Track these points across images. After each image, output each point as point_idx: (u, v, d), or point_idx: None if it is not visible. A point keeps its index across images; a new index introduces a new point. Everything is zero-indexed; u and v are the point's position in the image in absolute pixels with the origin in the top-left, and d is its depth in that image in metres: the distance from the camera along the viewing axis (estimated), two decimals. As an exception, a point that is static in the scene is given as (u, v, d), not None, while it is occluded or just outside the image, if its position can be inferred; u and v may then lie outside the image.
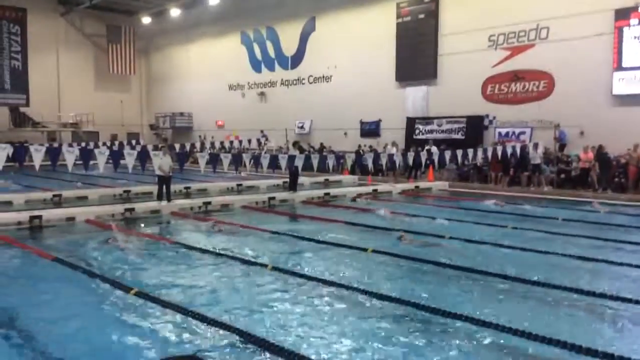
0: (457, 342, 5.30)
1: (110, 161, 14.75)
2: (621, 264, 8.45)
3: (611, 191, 17.54)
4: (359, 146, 25.97)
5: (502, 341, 5.29)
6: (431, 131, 24.73)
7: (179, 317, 5.91)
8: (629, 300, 6.53)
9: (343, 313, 6.18)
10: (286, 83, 32.28)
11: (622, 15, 19.07)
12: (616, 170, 18.12)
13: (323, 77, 30.01)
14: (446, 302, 6.46)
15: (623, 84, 19.21)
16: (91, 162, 14.59)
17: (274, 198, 16.00)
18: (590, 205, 14.95)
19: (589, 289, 6.88)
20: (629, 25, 18.96)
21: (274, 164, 16.47)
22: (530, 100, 21.82)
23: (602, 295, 6.71)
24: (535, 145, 19.68)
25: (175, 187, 16.16)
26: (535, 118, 21.41)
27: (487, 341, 5.32)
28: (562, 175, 19.20)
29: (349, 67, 28.36)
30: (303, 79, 31.24)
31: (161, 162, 14.37)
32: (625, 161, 17.98)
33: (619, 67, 19.25)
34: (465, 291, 7.16)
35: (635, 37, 18.86)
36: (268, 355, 4.90)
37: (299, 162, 16.68)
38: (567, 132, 20.20)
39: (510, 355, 5.02)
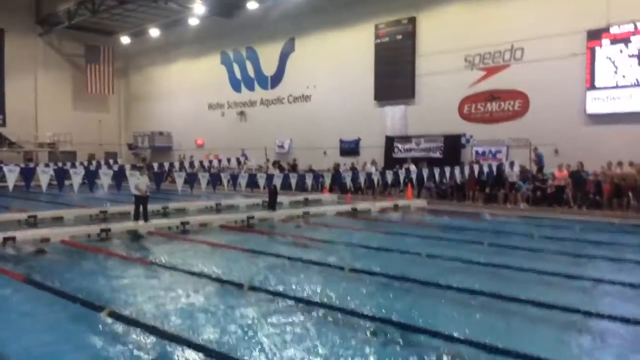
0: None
1: (86, 181, 14.61)
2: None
3: (586, 208, 17.81)
4: (337, 164, 26.07)
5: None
6: (410, 150, 24.94)
7: (152, 338, 5.83)
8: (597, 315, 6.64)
9: (322, 332, 6.16)
10: (266, 102, 32.40)
11: (594, 36, 19.57)
12: (591, 188, 18.41)
13: (302, 96, 30.19)
14: (425, 319, 6.48)
15: (596, 103, 19.65)
16: (68, 182, 14.44)
17: (252, 217, 15.94)
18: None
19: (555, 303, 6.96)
20: (600, 45, 19.45)
21: (252, 183, 16.46)
22: (506, 119, 22.19)
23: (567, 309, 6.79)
24: (512, 164, 19.97)
25: (153, 207, 16.03)
26: (511, 137, 21.73)
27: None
28: (538, 193, 19.46)
29: (329, 87, 28.59)
30: (283, 98, 31.38)
31: (138, 181, 14.26)
32: (599, 179, 18.28)
33: (592, 87, 19.70)
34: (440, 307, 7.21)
35: (607, 57, 19.34)
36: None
37: (278, 181, 16.68)
38: (543, 151, 20.50)
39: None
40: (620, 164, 17.89)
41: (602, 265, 9.98)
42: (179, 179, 15.60)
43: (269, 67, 32.12)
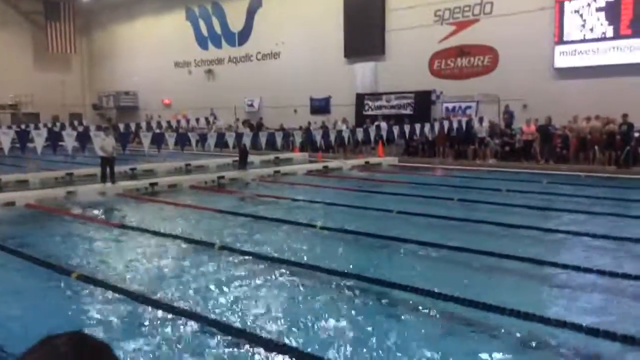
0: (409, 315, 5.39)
1: (50, 143, 14.20)
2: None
3: (553, 162, 18.11)
4: (308, 123, 25.87)
5: (450, 310, 5.41)
6: (380, 107, 24.85)
7: (122, 299, 5.77)
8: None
9: (293, 289, 6.17)
10: (234, 60, 31.73)
11: (563, -11, 19.52)
12: (558, 142, 18.68)
13: (271, 53, 29.64)
14: (398, 275, 6.54)
15: (564, 57, 19.75)
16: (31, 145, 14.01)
17: (223, 177, 15.80)
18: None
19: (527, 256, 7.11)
20: (569, -1, 19.46)
21: (222, 142, 16.23)
22: (476, 74, 22.17)
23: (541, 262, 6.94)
24: (481, 119, 20.09)
25: (120, 168, 15.74)
26: (481, 92, 21.78)
27: (434, 311, 5.42)
28: (507, 148, 19.68)
29: (298, 44, 28.09)
30: (251, 55, 30.77)
31: (104, 142, 13.92)
32: (566, 133, 18.54)
33: (560, 41, 19.76)
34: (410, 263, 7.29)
35: (575, 11, 19.34)
36: (219, 336, 4.82)
37: (248, 140, 16.49)
38: (512, 106, 20.62)
39: (461, 322, 5.13)
40: (587, 118, 18.14)
41: (568, 217, 10.19)
42: (146, 139, 15.25)
43: (236, 24, 31.34)
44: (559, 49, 19.82)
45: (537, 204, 11.44)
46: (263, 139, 17.07)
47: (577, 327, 4.78)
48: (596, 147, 17.59)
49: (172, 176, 16.62)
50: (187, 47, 33.99)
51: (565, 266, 6.81)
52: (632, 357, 4.46)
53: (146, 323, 5.16)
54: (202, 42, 33.44)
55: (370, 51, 25.12)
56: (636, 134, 17.06)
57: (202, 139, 16.35)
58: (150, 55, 36.00)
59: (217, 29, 32.45)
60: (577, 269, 6.68)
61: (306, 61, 27.46)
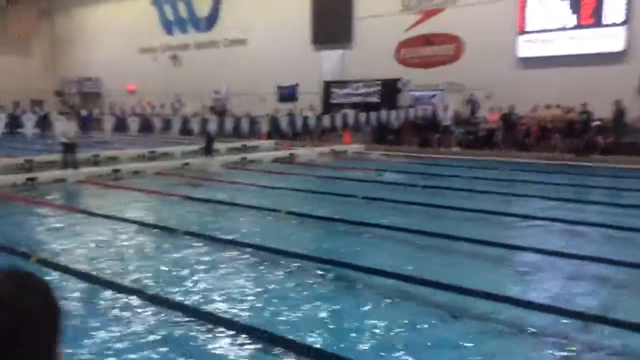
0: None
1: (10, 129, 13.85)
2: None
3: (516, 150, 18.47)
4: (276, 111, 25.76)
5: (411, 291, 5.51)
6: (347, 95, 24.88)
7: (84, 284, 5.71)
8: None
9: (257, 272, 6.20)
10: (200, 46, 31.33)
11: (526, -21, 19.84)
12: (521, 131, 19.05)
13: (238, 40, 29.35)
14: (362, 257, 6.63)
15: (527, 46, 20.13)
16: None
17: (188, 164, 15.66)
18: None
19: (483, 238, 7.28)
20: (532, -13, 19.81)
21: (187, 129, 16.07)
22: (441, 63, 22.40)
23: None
24: (445, 108, 20.34)
25: (82, 155, 15.44)
26: (446, 81, 22.00)
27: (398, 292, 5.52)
28: (471, 136, 19.98)
29: (265, 31, 27.87)
30: (218, 42, 30.43)
31: (65, 127, 13.65)
32: (528, 121, 18.92)
33: (524, 31, 20.11)
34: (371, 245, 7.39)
35: (538, 1, 19.69)
36: (185, 318, 4.81)
37: (214, 126, 16.37)
38: (476, 95, 20.92)
39: (428, 306, 5.24)
40: (547, 106, 18.53)
41: (529, 202, 10.45)
42: (108, 123, 14.98)
43: (202, 8, 30.92)
44: (522, 38, 20.19)
45: (499, 190, 11.68)
46: (229, 125, 16.94)
47: (535, 306, 4.96)
48: (557, 135, 18.00)
49: (136, 162, 16.40)
50: (152, 32, 33.38)
51: (524, 248, 7.03)
52: (587, 332, 4.62)
53: (106, 306, 5.12)
54: (167, 27, 32.91)
55: (337, 39, 25.12)
56: (594, 123, 17.51)
57: (167, 124, 16.15)
58: (115, 40, 35.19)
59: (183, 13, 31.97)
60: (535, 250, 6.89)
61: (274, 48, 27.29)
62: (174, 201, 10.75)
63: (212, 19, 30.61)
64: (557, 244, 7.30)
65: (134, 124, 15.28)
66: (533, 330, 4.61)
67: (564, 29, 19.32)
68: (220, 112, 21.93)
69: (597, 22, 18.69)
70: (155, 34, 33.29)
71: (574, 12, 19.07)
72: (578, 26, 19.08)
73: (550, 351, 4.27)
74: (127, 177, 14.02)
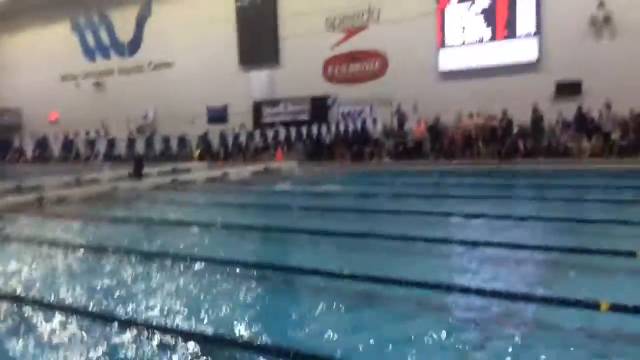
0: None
1: None
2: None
3: (443, 158, 19.08)
4: (207, 131, 25.48)
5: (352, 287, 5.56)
6: (278, 114, 25.04)
7: (9, 306, 5.41)
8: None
9: (194, 282, 6.06)
10: (125, 71, 30.72)
11: (444, -5, 20.76)
12: (446, 140, 19.72)
13: (164, 63, 28.99)
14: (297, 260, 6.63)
15: (447, 60, 20.97)
16: None
17: (117, 188, 15.18)
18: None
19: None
20: (449, 3, 20.69)
21: (113, 155, 15.61)
22: (368, 79, 22.98)
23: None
24: (374, 121, 20.82)
25: (3, 186, 14.72)
26: (374, 96, 22.53)
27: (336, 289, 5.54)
28: (400, 148, 20.49)
29: (191, 53, 27.68)
30: (142, 66, 29.94)
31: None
32: (453, 131, 19.63)
33: (443, 45, 20.96)
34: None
35: (456, 17, 20.63)
36: (128, 332, 4.63)
37: (141, 147, 16.01)
38: (403, 108, 21.51)
39: (366, 297, 5.28)
40: (470, 115, 19.31)
41: (454, 202, 10.81)
42: (28, 147, 14.33)
43: (125, 33, 30.39)
44: (442, 52, 21.00)
45: (429, 193, 12.04)
46: (158, 146, 16.62)
47: (465, 290, 5.11)
48: (480, 143, 18.75)
49: (62, 190, 15.74)
50: (73, 60, 32.45)
51: (454, 241, 7.27)
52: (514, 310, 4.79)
53: (34, 324, 4.86)
54: (89, 54, 32.11)
55: (265, 58, 25.30)
56: (515, 129, 18.39)
57: (91, 144, 15.64)
58: (35, 68, 33.92)
59: (105, 39, 31.30)
60: (463, 243, 7.14)
61: (201, 70, 27.13)
62: (101, 224, 10.38)
63: (135, 44, 30.13)
64: (482, 235, 7.58)
65: (56, 144, 14.66)
66: (458, 312, 4.75)
67: (480, 42, 20.28)
68: (148, 134, 21.52)
69: (511, 34, 19.74)
70: (76, 61, 32.39)
71: (488, 26, 20.07)
72: (493, 39, 20.07)
73: (474, 332, 4.37)
74: (52, 204, 13.42)
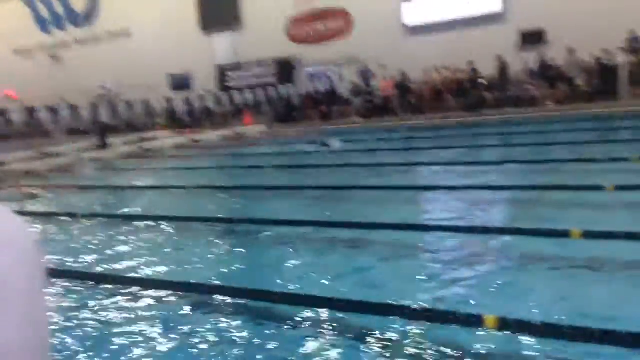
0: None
1: None
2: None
3: (411, 114, 19.09)
4: (170, 99, 24.99)
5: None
6: (243, 78, 24.61)
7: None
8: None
9: (171, 240, 5.99)
10: (81, 42, 29.70)
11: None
12: (414, 96, 19.70)
13: (122, 32, 28.11)
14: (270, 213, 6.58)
15: (412, 15, 20.82)
16: None
17: (82, 158, 14.82)
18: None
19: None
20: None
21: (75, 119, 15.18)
22: (333, 38, 22.69)
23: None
24: (342, 80, 20.65)
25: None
26: (340, 55, 22.29)
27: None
28: (369, 106, 20.40)
29: (149, 20, 26.84)
30: (100, 36, 28.97)
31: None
32: (421, 86, 19.62)
33: None
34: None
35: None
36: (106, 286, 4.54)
37: (105, 115, 15.61)
38: (370, 65, 21.37)
39: (329, 243, 5.27)
40: (437, 69, 19.29)
41: (426, 154, 10.87)
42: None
43: (79, 2, 29.29)
44: (405, 6, 20.83)
45: (399, 147, 12.07)
46: (121, 113, 16.21)
47: (445, 228, 5.15)
48: (448, 96, 18.79)
49: (27, 163, 15.30)
50: (26, 33, 31.16)
51: (427, 188, 7.32)
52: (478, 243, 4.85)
53: None
54: (42, 25, 30.89)
55: (227, 21, 24.72)
56: (481, 80, 18.45)
57: (54, 111, 15.17)
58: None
59: (59, 9, 30.13)
60: (435, 188, 7.20)
61: (161, 37, 26.38)
62: (70, 193, 10.15)
63: (91, 13, 29.10)
64: (455, 181, 7.65)
65: (16, 114, 14.16)
66: (433, 249, 4.79)
67: (444, -6, 20.17)
68: (110, 103, 20.98)
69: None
70: (30, 34, 31.13)
71: (450, -22, 19.95)
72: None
73: (454, 266, 4.41)
74: (18, 178, 13.05)
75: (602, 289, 3.64)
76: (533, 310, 3.26)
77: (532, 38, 18.77)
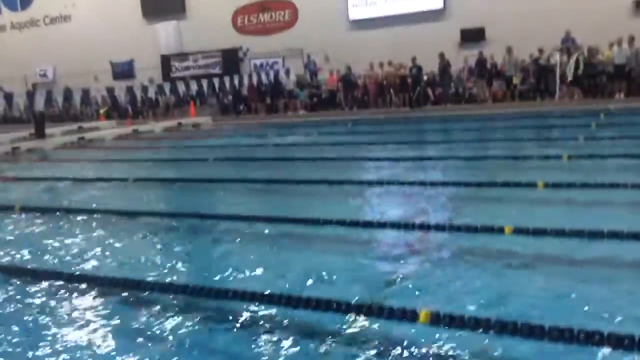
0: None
1: None
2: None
3: (356, 108, 19.33)
4: (112, 88, 24.32)
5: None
6: (188, 68, 24.29)
7: None
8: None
9: (114, 234, 5.90)
10: (18, 26, 28.47)
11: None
12: (359, 90, 19.95)
13: (61, 16, 27.14)
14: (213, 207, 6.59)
15: (357, 9, 21.04)
16: None
17: (18, 148, 14.31)
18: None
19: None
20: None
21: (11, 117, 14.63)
22: (279, 29, 22.67)
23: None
24: (287, 73, 20.67)
25: None
26: (286, 47, 22.30)
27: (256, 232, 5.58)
28: (315, 99, 20.53)
29: (90, 5, 26.05)
30: (37, 20, 27.87)
31: None
32: (365, 81, 19.86)
33: (352, -8, 21.01)
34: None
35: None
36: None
37: (41, 104, 15.10)
38: (315, 58, 21.48)
39: (286, 238, 5.33)
40: (381, 64, 19.56)
41: (368, 148, 11.08)
42: None
43: (15, -15, 28.08)
44: (351, 1, 21.01)
45: (342, 141, 12.23)
46: (59, 101, 15.70)
47: (382, 225, 5.31)
48: (392, 91, 19.11)
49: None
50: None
51: (367, 183, 7.51)
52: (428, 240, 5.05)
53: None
54: (-25, 8, 29.44)
55: (170, 9, 24.27)
56: (424, 77, 18.85)
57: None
58: None
59: (-7, -10, 28.79)
60: (379, 183, 7.37)
61: (102, 23, 25.61)
62: (4, 185, 9.80)
63: (28, -5, 27.93)
64: (394, 176, 7.87)
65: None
66: (376, 245, 4.95)
67: (389, -11, 20.46)
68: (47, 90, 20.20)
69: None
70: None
71: (396, -26, 20.25)
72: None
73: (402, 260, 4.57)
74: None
75: (534, 284, 3.84)
76: (467, 306, 3.42)
77: (472, 35, 19.34)
